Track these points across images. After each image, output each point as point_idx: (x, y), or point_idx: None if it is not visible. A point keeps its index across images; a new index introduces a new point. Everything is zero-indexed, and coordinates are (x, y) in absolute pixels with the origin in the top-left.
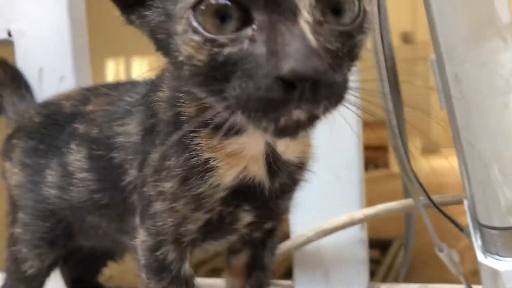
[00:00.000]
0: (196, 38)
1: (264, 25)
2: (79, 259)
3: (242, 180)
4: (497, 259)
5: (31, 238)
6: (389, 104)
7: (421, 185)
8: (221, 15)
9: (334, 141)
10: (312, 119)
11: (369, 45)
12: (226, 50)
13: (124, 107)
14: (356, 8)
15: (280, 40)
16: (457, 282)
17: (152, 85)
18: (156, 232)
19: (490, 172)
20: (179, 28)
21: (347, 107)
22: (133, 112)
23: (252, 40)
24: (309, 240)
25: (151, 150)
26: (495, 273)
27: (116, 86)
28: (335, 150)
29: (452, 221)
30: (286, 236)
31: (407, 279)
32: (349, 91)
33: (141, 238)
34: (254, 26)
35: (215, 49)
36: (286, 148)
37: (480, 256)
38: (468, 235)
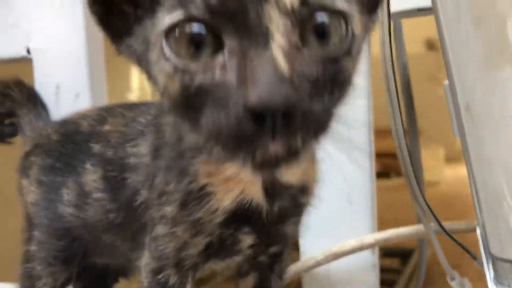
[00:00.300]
0: (167, 66)
1: (235, 51)
2: (91, 274)
3: (240, 204)
4: None
5: (46, 256)
6: (400, 133)
7: (432, 213)
8: (194, 42)
9: (346, 163)
10: (292, 152)
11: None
12: (198, 79)
13: (137, 128)
14: (343, 31)
15: (249, 68)
16: None
17: (163, 107)
18: (158, 256)
19: (503, 203)
20: (154, 55)
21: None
22: (145, 133)
23: (223, 67)
24: (318, 264)
25: (156, 173)
26: None
27: (131, 106)
28: (347, 172)
29: (465, 248)
30: (296, 258)
31: None
32: (333, 120)
33: (145, 260)
34: (226, 53)
35: (186, 78)
36: (285, 171)
37: None
38: (481, 264)
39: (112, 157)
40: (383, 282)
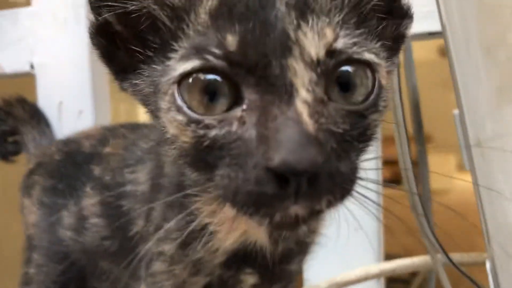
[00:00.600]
0: (180, 118)
1: (255, 106)
2: None
3: (242, 244)
4: None
5: (44, 280)
6: (409, 172)
7: (440, 245)
8: (210, 92)
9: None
10: (314, 214)
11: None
12: (213, 133)
13: (137, 153)
14: (369, 83)
15: (271, 125)
16: None
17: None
18: None
19: None
20: (164, 104)
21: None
22: (144, 159)
23: (241, 122)
24: None
25: (154, 206)
26: None
27: (134, 128)
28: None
29: (474, 282)
30: (299, 284)
31: None
32: (358, 181)
33: None
34: (244, 106)
35: (200, 131)
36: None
37: None
38: None
39: (110, 182)
40: None
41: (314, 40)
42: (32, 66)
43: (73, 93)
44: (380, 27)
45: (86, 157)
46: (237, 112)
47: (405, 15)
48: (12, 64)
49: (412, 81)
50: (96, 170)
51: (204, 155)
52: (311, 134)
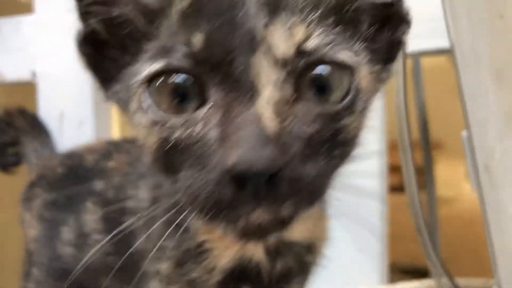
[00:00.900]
0: (145, 119)
1: (220, 105)
2: None
3: (239, 262)
4: None
5: None
6: (414, 197)
7: (445, 270)
8: (179, 93)
9: (358, 211)
10: (280, 221)
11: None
12: (176, 134)
13: (139, 169)
14: (345, 85)
15: (232, 124)
16: None
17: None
18: None
19: None
20: (133, 105)
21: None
22: (146, 176)
23: (205, 122)
24: None
25: (153, 224)
26: None
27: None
28: (358, 220)
29: None
30: None
31: None
32: (330, 184)
33: None
34: (209, 106)
35: (164, 133)
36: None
37: None
38: None
39: (113, 198)
40: None
41: (283, 38)
42: (34, 75)
43: (74, 104)
44: (371, 29)
45: (88, 172)
46: (203, 112)
47: (403, 20)
48: (14, 72)
49: (419, 89)
50: (98, 185)
51: (169, 158)
52: (270, 134)
